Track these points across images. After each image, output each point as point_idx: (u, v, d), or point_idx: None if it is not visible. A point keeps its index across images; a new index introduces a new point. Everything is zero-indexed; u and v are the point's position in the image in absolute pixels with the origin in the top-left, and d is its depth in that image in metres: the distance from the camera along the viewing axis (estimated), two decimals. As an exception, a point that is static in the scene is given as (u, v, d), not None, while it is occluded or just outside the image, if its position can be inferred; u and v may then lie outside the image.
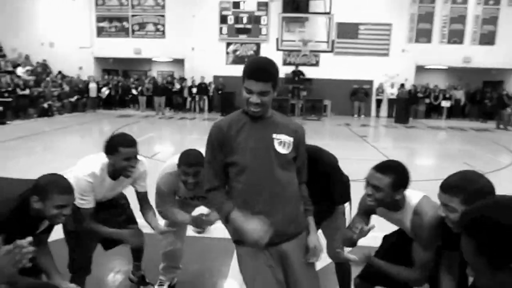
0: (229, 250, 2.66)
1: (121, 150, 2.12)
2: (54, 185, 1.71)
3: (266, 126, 1.68)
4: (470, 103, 16.40)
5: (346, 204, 2.38)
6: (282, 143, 1.67)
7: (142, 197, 2.42)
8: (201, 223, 2.33)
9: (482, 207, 0.99)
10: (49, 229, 1.93)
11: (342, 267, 2.47)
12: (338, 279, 2.52)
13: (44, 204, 1.69)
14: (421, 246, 1.76)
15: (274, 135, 1.67)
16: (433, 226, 1.71)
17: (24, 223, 1.72)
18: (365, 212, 2.01)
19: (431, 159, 8.64)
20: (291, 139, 1.70)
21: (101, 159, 2.20)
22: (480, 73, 16.63)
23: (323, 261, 2.77)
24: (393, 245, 2.08)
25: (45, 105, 13.31)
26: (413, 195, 1.85)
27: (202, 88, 15.98)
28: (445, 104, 16.13)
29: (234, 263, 2.22)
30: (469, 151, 8.95)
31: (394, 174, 1.78)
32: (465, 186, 1.49)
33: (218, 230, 2.44)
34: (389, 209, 1.88)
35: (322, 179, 2.14)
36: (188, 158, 2.16)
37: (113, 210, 2.43)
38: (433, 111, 16.32)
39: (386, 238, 2.19)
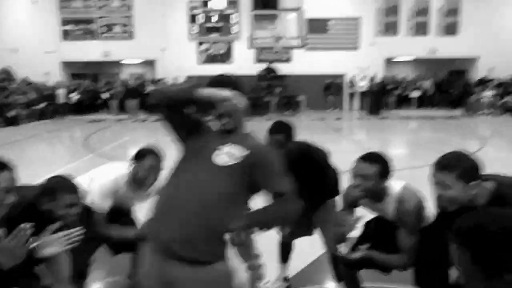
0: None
1: (147, 157, 2.27)
2: (61, 185, 1.82)
3: (215, 139, 1.52)
4: (438, 93, 16.99)
5: (337, 198, 2.42)
6: (225, 153, 1.48)
7: None
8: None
9: (475, 217, 1.00)
10: None
11: (336, 257, 2.50)
12: (332, 268, 2.55)
13: (53, 204, 1.77)
14: (406, 231, 1.89)
15: (218, 147, 1.50)
16: (417, 212, 1.85)
17: (35, 226, 1.70)
18: (349, 206, 2.09)
19: (406, 148, 8.89)
20: (239, 152, 1.48)
21: (124, 167, 2.33)
22: (445, 63, 17.24)
23: (318, 250, 2.82)
24: (373, 231, 2.19)
25: (12, 114, 12.78)
26: (394, 184, 1.95)
27: (175, 89, 15.77)
28: (415, 94, 16.64)
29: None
30: (440, 138, 9.28)
31: (380, 163, 1.88)
32: (459, 163, 1.55)
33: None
34: (374, 199, 1.96)
35: (313, 174, 2.21)
36: None
37: (120, 219, 2.40)
38: (403, 101, 16.78)
39: (367, 224, 2.28)
